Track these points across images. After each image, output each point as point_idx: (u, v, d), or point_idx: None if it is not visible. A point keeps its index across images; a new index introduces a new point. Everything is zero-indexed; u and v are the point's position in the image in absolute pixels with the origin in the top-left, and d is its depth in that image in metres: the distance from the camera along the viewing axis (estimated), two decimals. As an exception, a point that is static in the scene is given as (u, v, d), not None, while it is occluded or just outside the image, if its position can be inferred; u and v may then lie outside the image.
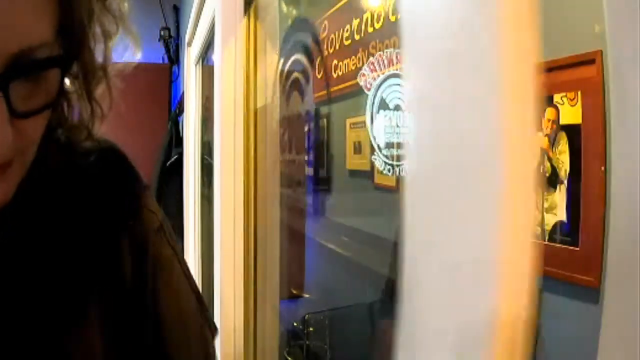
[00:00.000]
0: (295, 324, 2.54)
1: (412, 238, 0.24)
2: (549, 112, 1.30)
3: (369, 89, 1.46)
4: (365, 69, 1.55)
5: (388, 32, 1.55)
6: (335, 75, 2.19)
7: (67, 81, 0.45)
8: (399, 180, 1.67)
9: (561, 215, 1.31)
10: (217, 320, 1.06)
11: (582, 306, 1.26)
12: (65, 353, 0.43)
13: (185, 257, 2.23)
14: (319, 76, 2.79)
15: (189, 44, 2.01)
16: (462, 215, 0.20)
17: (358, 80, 1.60)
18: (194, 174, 2.05)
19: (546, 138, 1.33)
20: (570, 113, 1.24)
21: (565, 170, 1.28)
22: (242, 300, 1.03)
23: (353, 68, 1.99)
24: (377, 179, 2.16)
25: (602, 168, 1.16)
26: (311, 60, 2.06)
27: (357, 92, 1.72)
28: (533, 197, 0.20)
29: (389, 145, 1.60)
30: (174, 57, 3.44)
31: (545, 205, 1.33)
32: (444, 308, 0.21)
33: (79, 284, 0.45)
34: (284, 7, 1.83)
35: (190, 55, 2.02)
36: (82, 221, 0.47)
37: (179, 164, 2.57)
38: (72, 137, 0.50)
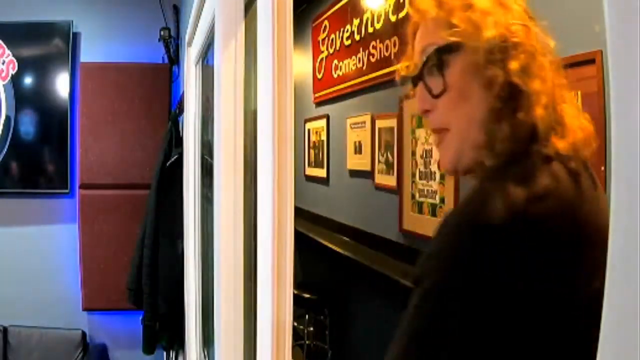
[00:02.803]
0: (295, 323, 2.54)
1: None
2: (549, 112, 1.29)
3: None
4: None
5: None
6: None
7: None
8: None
9: (561, 215, 1.30)
10: (216, 320, 1.06)
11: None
12: None
13: (185, 257, 2.21)
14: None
15: (189, 44, 2.01)
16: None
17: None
18: (194, 174, 2.05)
19: (546, 138, 1.32)
20: (570, 113, 1.24)
21: (565, 170, 1.28)
22: (242, 300, 1.03)
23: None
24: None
25: (602, 168, 1.16)
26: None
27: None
28: None
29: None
30: (174, 57, 3.44)
31: (545, 205, 1.32)
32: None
33: None
34: None
35: (190, 55, 2.02)
36: None
37: (179, 164, 2.57)
38: None
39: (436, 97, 0.69)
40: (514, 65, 0.64)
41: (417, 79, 0.73)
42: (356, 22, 2.30)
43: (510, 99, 0.64)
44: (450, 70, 0.68)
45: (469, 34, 0.66)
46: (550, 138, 0.62)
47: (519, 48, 0.65)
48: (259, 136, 0.69)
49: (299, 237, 2.03)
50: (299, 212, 3.29)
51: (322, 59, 2.75)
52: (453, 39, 0.67)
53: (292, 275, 0.59)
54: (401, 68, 0.80)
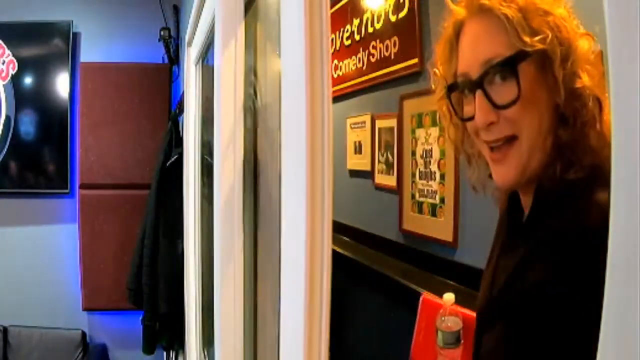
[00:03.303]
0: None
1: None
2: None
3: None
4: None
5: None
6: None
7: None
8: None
9: (561, 215, 1.30)
10: (216, 320, 1.06)
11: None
12: None
13: (185, 257, 2.20)
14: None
15: (189, 44, 2.01)
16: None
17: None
18: (194, 174, 2.05)
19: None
20: (570, 113, 1.24)
21: (565, 170, 1.28)
22: (242, 300, 1.03)
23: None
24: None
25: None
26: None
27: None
28: None
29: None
30: (174, 57, 3.44)
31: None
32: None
33: None
34: None
35: (190, 55, 2.02)
36: None
37: (178, 164, 2.57)
38: None
39: (503, 107, 0.63)
40: (587, 75, 0.62)
41: (472, 87, 0.67)
42: (356, 22, 2.30)
43: (592, 108, 0.61)
44: (522, 78, 0.62)
45: (557, 42, 0.62)
46: None
47: (590, 57, 0.63)
48: (282, 124, 0.59)
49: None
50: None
51: (322, 59, 2.75)
52: (539, 46, 0.61)
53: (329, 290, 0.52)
54: (439, 74, 0.74)
